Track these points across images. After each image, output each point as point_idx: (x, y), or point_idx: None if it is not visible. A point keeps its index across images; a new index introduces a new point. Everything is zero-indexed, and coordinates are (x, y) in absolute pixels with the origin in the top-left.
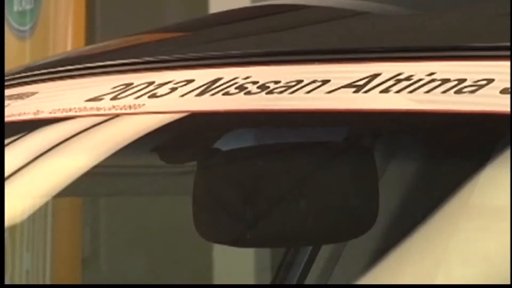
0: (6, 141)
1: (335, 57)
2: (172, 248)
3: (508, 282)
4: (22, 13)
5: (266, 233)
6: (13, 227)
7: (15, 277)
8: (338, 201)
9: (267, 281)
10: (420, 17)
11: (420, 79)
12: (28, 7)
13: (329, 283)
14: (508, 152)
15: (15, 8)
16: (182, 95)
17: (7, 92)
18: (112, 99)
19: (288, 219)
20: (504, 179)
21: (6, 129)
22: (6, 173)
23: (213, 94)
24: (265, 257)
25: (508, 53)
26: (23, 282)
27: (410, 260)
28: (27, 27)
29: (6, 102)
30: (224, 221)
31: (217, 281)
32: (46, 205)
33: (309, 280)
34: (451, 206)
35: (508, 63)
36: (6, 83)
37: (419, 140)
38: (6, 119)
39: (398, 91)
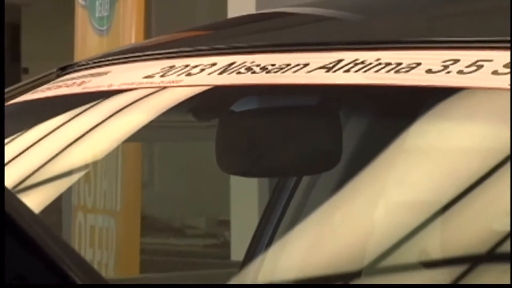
0: (89, 105)
1: (312, 48)
2: (202, 175)
3: (434, 202)
4: (101, 18)
5: (265, 167)
6: (96, 162)
7: (101, 196)
8: (314, 145)
9: (265, 200)
10: (369, 20)
11: (371, 63)
12: (105, 14)
13: (307, 203)
14: (430, 112)
15: (97, 15)
16: (209, 74)
17: (90, 71)
18: (161, 76)
19: (280, 157)
20: (427, 130)
21: (89, 98)
22: (90, 126)
23: (230, 73)
24: (265, 184)
25: (428, 44)
26: (102, 200)
27: (363, 185)
28: (104, 28)
29: (89, 78)
30: (237, 159)
31: (233, 199)
32: (118, 147)
33: (294, 200)
34: (391, 148)
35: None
36: (89, 66)
37: (370, 104)
38: (88, 90)
39: (356, 71)
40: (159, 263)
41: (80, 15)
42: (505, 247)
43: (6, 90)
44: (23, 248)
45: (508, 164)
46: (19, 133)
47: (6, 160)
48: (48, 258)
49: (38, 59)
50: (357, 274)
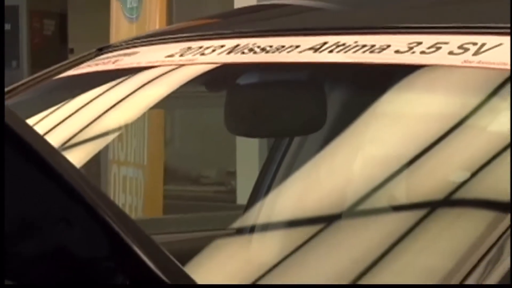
0: (121, 79)
1: (302, 32)
2: (213, 135)
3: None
4: (131, 8)
5: (265, 129)
6: (127, 124)
7: (131, 152)
8: (304, 112)
9: (265, 155)
10: (349, 10)
11: (350, 45)
12: (135, 5)
13: (298, 158)
14: (398, 84)
15: (128, 6)
16: (218, 54)
17: (122, 52)
18: (179, 55)
19: (276, 121)
20: (395, 99)
21: (121, 73)
22: (122, 96)
23: (235, 53)
24: (264, 143)
25: (396, 30)
26: (132, 156)
27: (343, 144)
28: (134, 16)
29: (121, 57)
30: (241, 123)
31: (238, 154)
32: (145, 113)
33: (287, 156)
34: (366, 114)
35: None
36: (121, 47)
37: (349, 78)
38: (121, 66)
39: (338, 52)
40: (178, 206)
41: (115, 5)
42: (458, 195)
43: (56, 66)
44: (65, 194)
45: (462, 127)
46: (64, 102)
47: (54, 123)
48: (86, 204)
49: (82, 41)
50: (338, 216)
